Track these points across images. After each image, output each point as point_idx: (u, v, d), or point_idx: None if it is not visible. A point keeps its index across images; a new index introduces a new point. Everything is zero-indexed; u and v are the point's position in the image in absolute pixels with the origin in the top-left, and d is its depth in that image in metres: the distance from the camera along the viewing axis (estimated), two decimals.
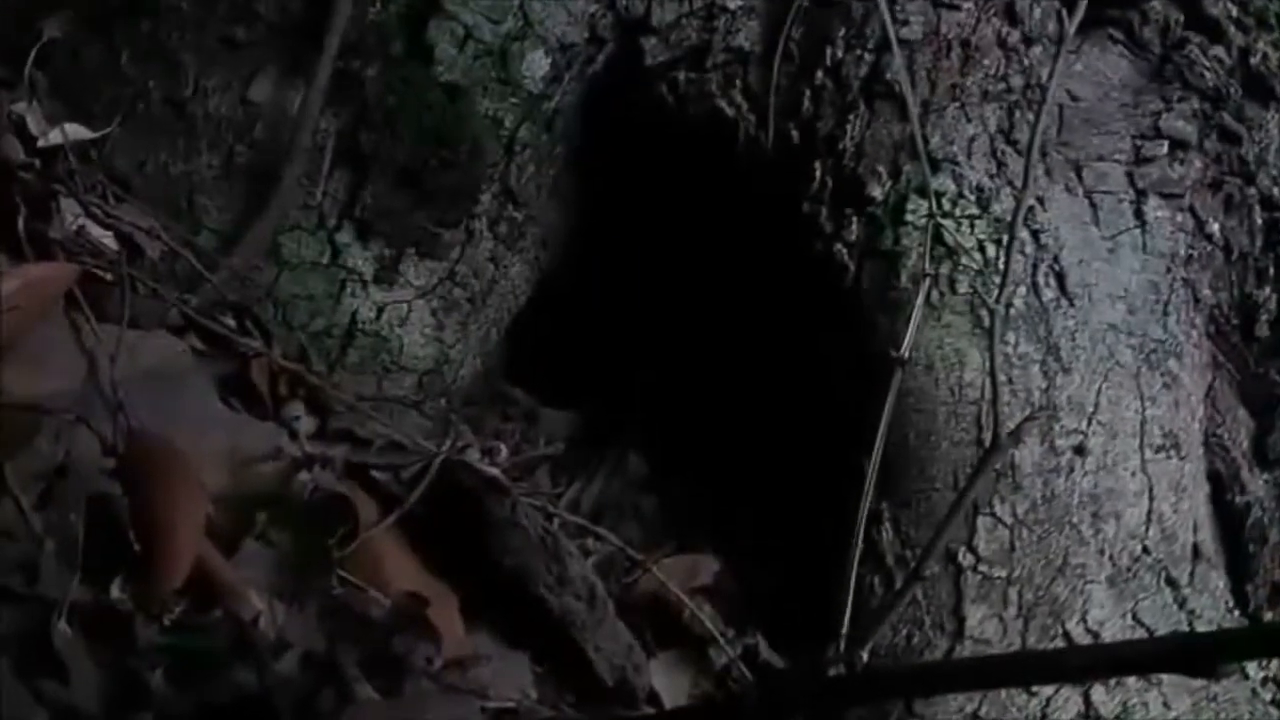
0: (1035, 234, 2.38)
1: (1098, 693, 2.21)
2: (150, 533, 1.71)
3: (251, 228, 2.33)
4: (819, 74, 2.47)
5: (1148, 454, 2.34)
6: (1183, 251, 2.44)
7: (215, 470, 1.89)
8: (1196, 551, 2.33)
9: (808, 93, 2.47)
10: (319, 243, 2.40)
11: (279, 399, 2.14)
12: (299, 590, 1.81)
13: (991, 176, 2.41)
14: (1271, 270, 2.47)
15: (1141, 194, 2.44)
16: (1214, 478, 2.43)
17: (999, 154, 2.42)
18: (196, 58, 2.39)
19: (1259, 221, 2.47)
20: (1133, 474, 2.32)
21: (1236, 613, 2.35)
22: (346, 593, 1.87)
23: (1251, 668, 2.27)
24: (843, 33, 2.47)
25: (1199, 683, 2.16)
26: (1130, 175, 2.44)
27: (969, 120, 2.43)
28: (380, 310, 2.41)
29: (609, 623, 2.05)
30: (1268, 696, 2.28)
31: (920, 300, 2.23)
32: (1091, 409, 2.33)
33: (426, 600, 1.86)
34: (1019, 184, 2.30)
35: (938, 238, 2.34)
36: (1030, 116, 2.40)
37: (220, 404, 2.05)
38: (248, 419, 2.06)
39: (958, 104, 2.44)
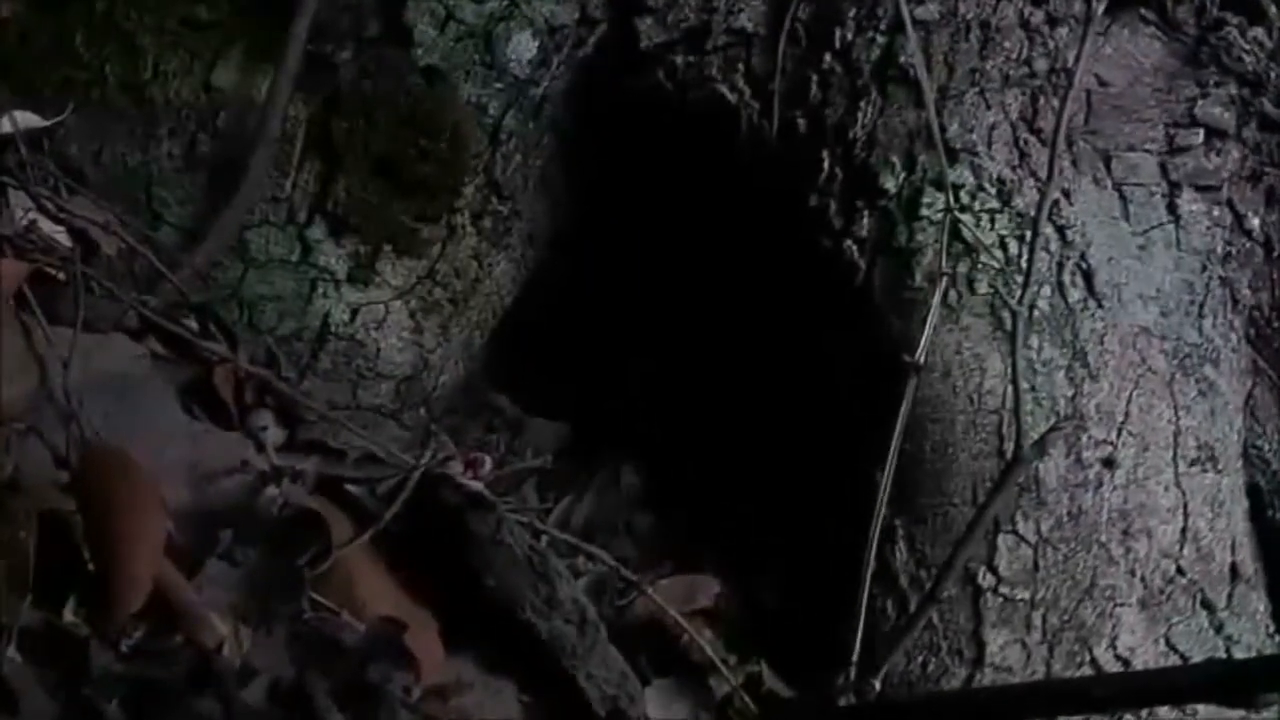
0: (1060, 230, 2.38)
1: None
2: (106, 552, 1.71)
3: (215, 223, 2.33)
4: (827, 57, 2.47)
5: (1182, 467, 2.34)
6: (1220, 248, 2.45)
7: (176, 484, 1.89)
8: (1234, 572, 2.34)
9: (815, 77, 2.48)
10: (288, 239, 2.41)
11: (245, 407, 2.14)
12: (266, 614, 1.81)
13: (1013, 168, 2.41)
14: None
15: (1175, 186, 2.44)
16: (1253, 492, 2.44)
17: (1021, 143, 2.42)
18: (156, 39, 2.39)
19: None
20: (1166, 488, 2.33)
21: (1278, 638, 2.35)
22: (317, 616, 1.87)
23: None
24: (853, 13, 2.48)
25: (1237, 713, 2.17)
26: (1163, 166, 2.45)
27: (989, 107, 2.44)
28: (354, 312, 2.42)
29: (601, 648, 2.05)
30: None
31: (936, 301, 2.24)
32: (1121, 418, 2.33)
33: (404, 624, 1.86)
34: (1043, 176, 2.30)
35: (955, 234, 2.35)
36: (1055, 103, 2.40)
37: (181, 413, 2.06)
38: (211, 429, 2.06)
39: (977, 89, 2.44)
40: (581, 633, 2.03)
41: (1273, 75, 2.48)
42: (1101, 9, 2.24)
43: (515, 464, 2.58)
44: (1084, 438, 2.31)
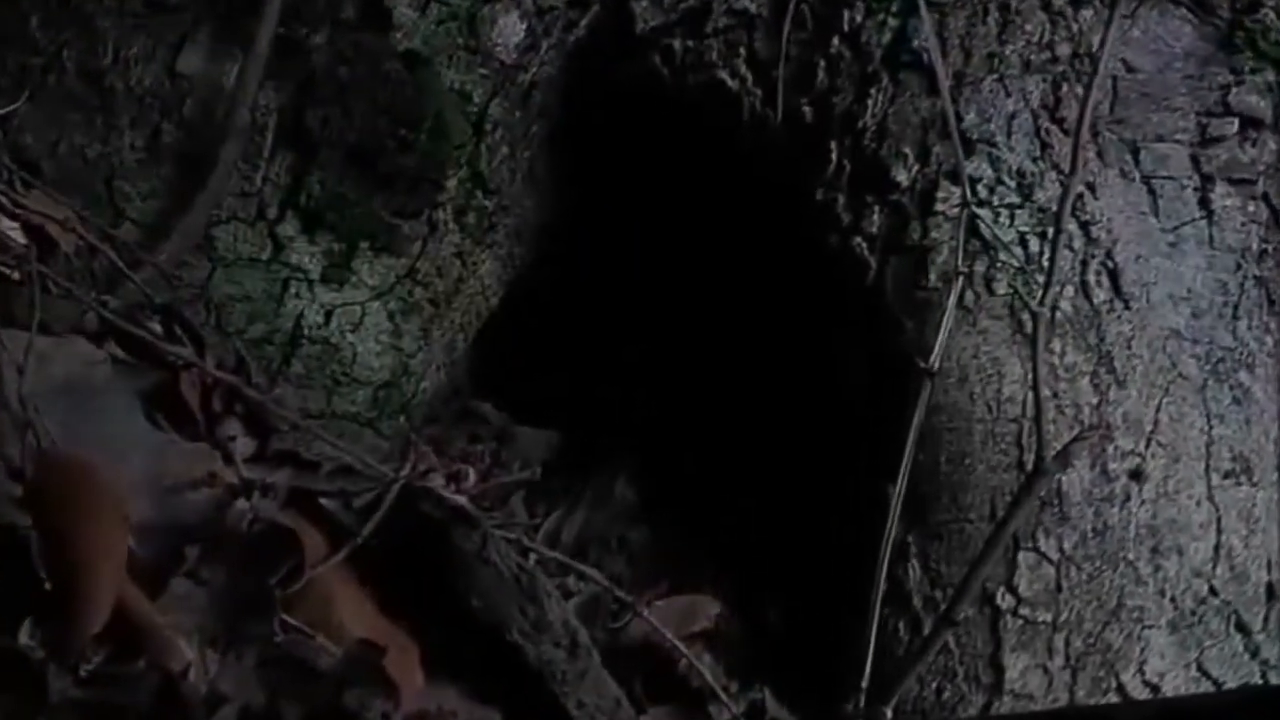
0: (1085, 226, 2.39)
1: None
2: (64, 570, 1.72)
3: (181, 219, 2.34)
4: (835, 41, 2.48)
5: (1215, 479, 2.35)
6: (1255, 246, 2.45)
7: (139, 498, 1.89)
8: (1271, 592, 2.34)
9: (822, 63, 2.49)
10: (258, 236, 2.41)
11: (212, 416, 2.15)
12: (235, 637, 1.82)
13: (1035, 159, 2.42)
14: None
15: (1208, 179, 2.45)
16: None
17: (1043, 133, 2.43)
18: (117, 23, 2.40)
19: None
20: (1197, 503, 2.33)
21: None
22: (290, 639, 1.87)
23: None
24: None
25: None
26: (1195, 158, 2.46)
27: (1009, 95, 2.45)
28: (329, 314, 2.42)
29: (593, 674, 2.06)
30: None
31: (952, 302, 2.24)
32: (1150, 428, 2.34)
33: (383, 648, 1.87)
34: (1066, 168, 2.32)
35: (972, 230, 2.36)
36: (1079, 90, 2.41)
37: (144, 422, 2.06)
38: (176, 439, 2.07)
39: (996, 76, 2.45)
40: (572, 657, 2.03)
41: None
42: None
43: (501, 476, 2.58)
44: (1110, 448, 2.32)
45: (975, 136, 2.42)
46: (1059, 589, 2.28)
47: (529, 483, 2.61)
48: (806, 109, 2.49)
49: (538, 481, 2.62)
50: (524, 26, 2.50)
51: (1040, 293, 2.20)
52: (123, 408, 2.05)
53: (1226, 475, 2.35)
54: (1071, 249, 2.38)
